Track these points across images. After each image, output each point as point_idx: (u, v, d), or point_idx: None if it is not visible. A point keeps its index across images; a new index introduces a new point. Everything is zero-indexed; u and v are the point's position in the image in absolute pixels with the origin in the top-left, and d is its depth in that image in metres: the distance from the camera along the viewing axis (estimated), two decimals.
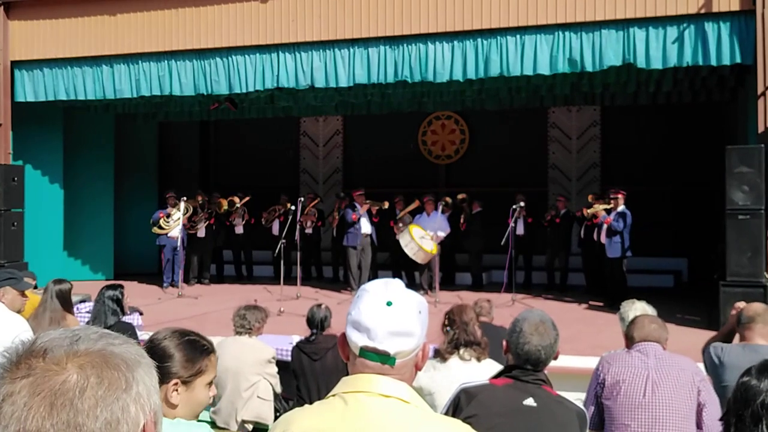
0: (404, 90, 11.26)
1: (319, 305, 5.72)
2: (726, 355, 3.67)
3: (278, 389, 5.61)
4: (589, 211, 10.95)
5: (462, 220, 12.11)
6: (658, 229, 12.88)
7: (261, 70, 10.29)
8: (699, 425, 3.33)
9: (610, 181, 13.33)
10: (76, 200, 13.19)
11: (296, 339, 6.17)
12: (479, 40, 9.35)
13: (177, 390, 2.04)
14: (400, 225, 11.36)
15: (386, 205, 11.96)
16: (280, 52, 10.20)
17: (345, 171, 15.92)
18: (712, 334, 4.33)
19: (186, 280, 12.42)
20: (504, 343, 2.72)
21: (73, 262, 13.26)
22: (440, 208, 11.08)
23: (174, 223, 12.00)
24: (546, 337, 2.61)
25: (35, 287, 6.38)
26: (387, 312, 1.55)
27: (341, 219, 12.25)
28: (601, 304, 10.07)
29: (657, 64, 8.70)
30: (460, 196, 12.26)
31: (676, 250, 13.11)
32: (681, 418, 3.31)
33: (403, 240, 10.68)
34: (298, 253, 11.21)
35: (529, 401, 2.52)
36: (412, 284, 10.91)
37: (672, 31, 8.63)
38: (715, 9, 8.42)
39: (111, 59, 11.02)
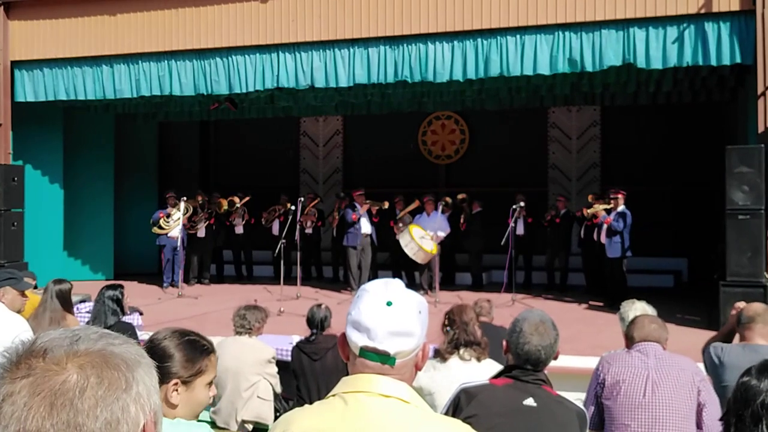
0: (404, 90, 11.26)
1: (319, 305, 5.72)
2: (726, 355, 3.67)
3: (278, 389, 5.61)
4: (589, 211, 10.95)
5: (462, 220, 12.11)
6: (658, 229, 12.88)
7: (261, 70, 10.29)
8: (699, 425, 3.33)
9: (610, 181, 13.34)
10: (76, 200, 13.19)
11: (296, 339, 6.17)
12: (479, 40, 9.35)
13: (177, 390, 2.04)
14: (400, 225, 11.36)
15: (386, 205, 11.96)
16: (280, 52, 10.20)
17: (345, 171, 15.93)
18: (712, 334, 4.33)
19: (186, 280, 12.42)
20: (504, 343, 2.72)
21: (73, 262, 13.27)
22: (440, 208, 11.08)
23: (174, 223, 12.00)
24: (546, 337, 2.61)
25: (35, 287, 6.39)
26: (387, 312, 1.55)
27: (341, 219, 12.26)
28: (601, 304, 10.07)
29: (657, 64, 8.70)
30: (460, 196, 12.26)
31: (676, 250, 13.11)
32: (681, 418, 3.31)
33: (403, 240, 10.69)
34: (298, 253, 11.21)
35: (529, 401, 2.52)
36: (412, 284, 10.91)
37: (672, 31, 8.63)
38: (715, 9, 8.42)
39: (111, 59, 11.02)
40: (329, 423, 1.52)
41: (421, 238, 10.56)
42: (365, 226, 11.74)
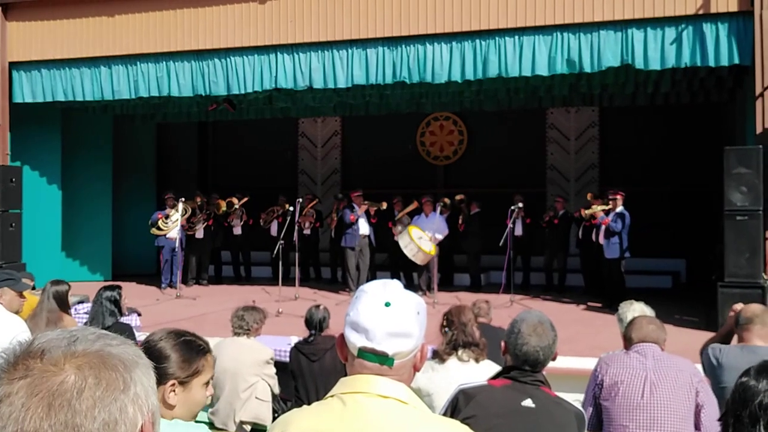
0: (402, 91, 11.26)
1: (318, 306, 5.73)
2: (724, 357, 3.67)
3: (276, 390, 5.61)
4: (587, 211, 10.96)
5: (460, 221, 12.11)
6: (656, 230, 12.89)
7: (259, 71, 10.29)
8: (697, 426, 3.33)
9: (608, 182, 13.35)
10: (74, 201, 13.19)
11: (294, 340, 6.17)
12: (478, 41, 9.36)
13: (174, 391, 2.04)
14: (399, 228, 11.36)
15: (384, 205, 11.96)
16: (278, 53, 10.20)
17: (343, 172, 15.93)
18: (710, 335, 4.33)
19: (184, 281, 12.41)
20: (502, 344, 2.72)
21: (71, 263, 13.26)
22: (438, 209, 11.09)
23: (172, 224, 11.99)
24: (544, 338, 2.61)
25: (33, 288, 6.38)
26: (385, 313, 1.55)
27: (339, 220, 12.26)
28: (599, 305, 10.07)
29: (655, 65, 8.71)
30: (458, 197, 12.26)
31: (674, 251, 13.12)
32: (679, 419, 3.31)
33: (403, 241, 10.68)
34: (297, 254, 11.22)
35: (528, 402, 2.52)
36: (410, 285, 10.91)
37: (670, 32, 8.64)
38: (713, 10, 8.43)
39: (109, 60, 11.01)
40: (327, 424, 1.52)
41: (419, 239, 10.56)
42: (363, 227, 11.74)
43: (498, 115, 13.98)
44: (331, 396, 1.58)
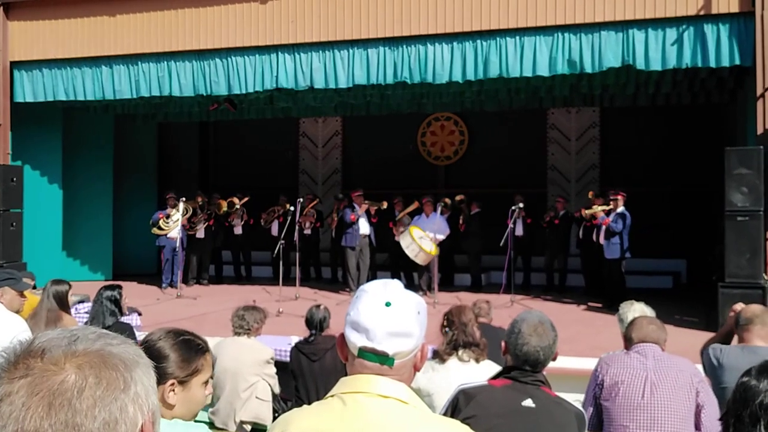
0: (403, 91, 11.26)
1: (318, 306, 5.73)
2: (725, 357, 3.67)
3: (277, 390, 5.61)
4: (587, 211, 10.96)
5: (461, 221, 12.11)
6: (657, 231, 12.88)
7: (260, 71, 10.29)
8: (697, 426, 3.33)
9: (609, 183, 13.34)
10: (75, 201, 13.19)
11: (295, 340, 6.17)
12: (478, 41, 9.36)
13: (174, 390, 2.04)
14: (401, 229, 11.36)
15: (385, 205, 11.95)
16: (279, 53, 10.20)
17: (344, 172, 15.93)
18: (710, 335, 4.32)
19: (185, 281, 12.42)
20: (503, 344, 2.72)
21: (71, 263, 13.26)
22: (439, 209, 11.09)
23: (173, 224, 11.99)
24: (545, 338, 2.61)
25: (34, 287, 6.38)
26: (386, 312, 1.55)
27: (340, 219, 12.27)
28: (599, 305, 10.07)
29: (656, 66, 8.71)
30: (458, 198, 12.25)
31: (674, 252, 13.12)
32: (679, 419, 3.31)
33: (404, 242, 10.67)
34: (297, 254, 11.22)
35: (528, 402, 2.52)
36: (410, 285, 10.91)
37: (671, 33, 8.63)
38: (714, 11, 8.42)
39: (110, 60, 11.02)
40: (328, 423, 1.52)
41: (420, 239, 10.56)
42: (363, 227, 11.74)
43: (499, 116, 13.98)
44: (332, 396, 1.58)
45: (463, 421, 2.12)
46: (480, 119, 14.61)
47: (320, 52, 10.02)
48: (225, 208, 13.13)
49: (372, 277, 11.31)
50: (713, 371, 3.71)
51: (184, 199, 11.97)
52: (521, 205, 11.22)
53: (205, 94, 10.96)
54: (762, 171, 7.90)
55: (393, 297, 1.58)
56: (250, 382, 5.39)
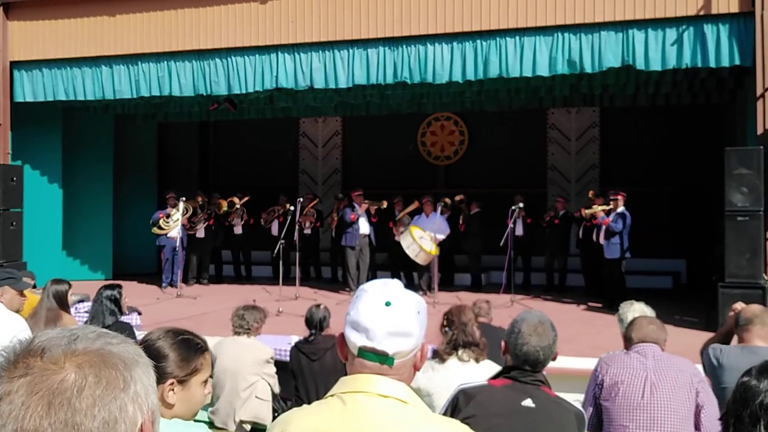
0: (403, 91, 11.26)
1: (318, 305, 5.73)
2: (725, 357, 3.67)
3: (276, 389, 5.61)
4: (587, 211, 10.96)
5: (461, 221, 12.11)
6: (656, 231, 12.88)
7: (260, 71, 10.29)
8: (697, 426, 3.33)
9: (609, 183, 13.34)
10: (74, 200, 13.19)
11: (295, 339, 6.17)
12: (478, 41, 9.36)
13: (173, 390, 2.04)
14: (401, 229, 11.35)
15: (384, 204, 11.95)
16: (279, 53, 10.20)
17: (344, 172, 15.93)
18: (710, 335, 4.32)
19: (185, 281, 12.42)
20: (502, 343, 2.72)
21: (71, 262, 13.26)
22: (439, 209, 11.09)
23: (174, 224, 12.00)
24: (544, 338, 2.61)
25: (34, 287, 6.38)
26: (386, 312, 1.55)
27: (340, 219, 12.27)
28: (599, 305, 10.07)
29: (656, 66, 8.71)
30: (457, 198, 12.24)
31: (674, 252, 13.12)
32: (679, 419, 3.31)
33: (405, 242, 10.67)
34: (297, 254, 11.22)
35: (528, 402, 2.52)
36: (410, 285, 10.91)
37: (671, 33, 8.63)
38: (714, 11, 8.42)
39: (110, 60, 11.02)
40: (327, 423, 1.52)
41: (420, 239, 10.56)
42: (363, 226, 11.74)
43: (499, 116, 13.98)
44: (331, 395, 1.58)
45: (462, 420, 2.12)
46: (480, 119, 14.61)
47: (320, 52, 10.02)
48: (225, 208, 13.13)
49: (372, 276, 11.31)
50: (713, 371, 3.71)
51: (184, 198, 11.98)
52: (521, 205, 11.22)
53: (205, 94, 10.96)
54: (762, 171, 7.90)
55: (393, 297, 1.58)
56: (249, 381, 5.39)
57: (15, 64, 11.57)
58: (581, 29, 8.92)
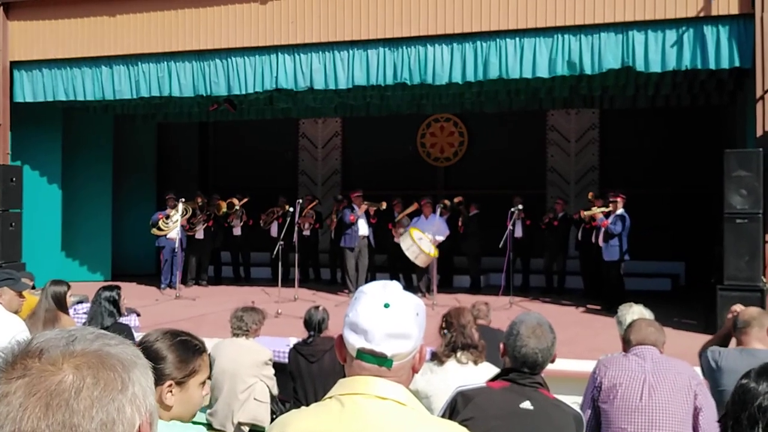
0: (403, 92, 11.27)
1: (317, 307, 5.73)
2: (723, 360, 3.67)
3: (275, 391, 5.61)
4: (586, 213, 10.96)
5: (460, 223, 12.11)
6: (656, 233, 12.89)
7: (260, 72, 10.29)
8: (695, 429, 3.33)
9: (608, 184, 13.35)
10: (74, 201, 13.19)
11: (293, 341, 6.17)
12: (478, 42, 9.36)
13: (171, 391, 2.04)
14: (400, 230, 11.35)
15: (384, 205, 11.95)
16: (279, 54, 10.20)
17: (344, 173, 15.93)
18: (708, 337, 4.33)
19: (184, 282, 12.41)
20: (501, 346, 2.72)
21: (70, 263, 13.25)
22: (438, 210, 11.08)
23: (173, 225, 11.99)
24: (543, 340, 2.61)
25: (33, 288, 6.37)
26: (384, 314, 1.55)
27: (339, 220, 12.27)
28: (598, 307, 10.07)
29: (656, 68, 8.71)
30: (456, 200, 12.23)
31: (673, 254, 13.12)
32: (677, 421, 3.31)
33: (405, 244, 10.65)
34: (296, 255, 11.21)
35: (526, 404, 2.52)
36: (409, 287, 10.90)
37: (671, 35, 8.64)
38: (714, 13, 8.43)
39: (110, 60, 11.01)
40: (326, 425, 1.52)
41: (419, 240, 10.56)
42: (363, 228, 11.74)
43: (498, 117, 13.98)
44: (330, 397, 1.58)
45: (461, 422, 2.12)
46: (479, 120, 14.61)
47: (320, 52, 10.02)
48: (224, 209, 13.13)
49: (371, 278, 11.31)
50: (711, 374, 3.72)
51: (183, 199, 11.97)
52: (520, 206, 11.22)
53: (204, 95, 10.96)
54: (761, 173, 7.90)
55: (392, 298, 1.58)
56: (248, 383, 5.39)
57: (15, 64, 11.57)
58: (581, 31, 8.93)
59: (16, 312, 4.54)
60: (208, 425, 5.40)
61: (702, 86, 10.77)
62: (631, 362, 3.47)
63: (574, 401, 2.90)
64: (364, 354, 1.56)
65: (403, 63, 9.63)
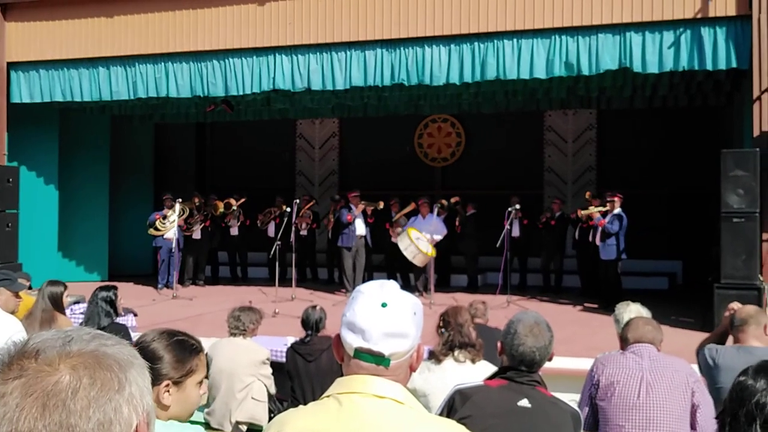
0: (401, 93, 11.27)
1: (314, 307, 5.73)
2: (720, 357, 3.68)
3: (272, 390, 5.61)
4: (583, 212, 10.98)
5: (457, 223, 12.12)
6: (653, 232, 12.91)
7: (258, 73, 10.28)
8: (693, 426, 3.34)
9: (605, 185, 13.36)
10: (71, 201, 13.16)
11: (291, 340, 6.17)
12: (476, 43, 9.36)
13: (168, 391, 2.04)
14: (398, 230, 11.35)
15: (381, 205, 11.96)
16: (276, 55, 10.20)
17: (341, 173, 15.93)
18: (705, 335, 4.33)
19: (181, 282, 12.40)
20: (499, 344, 2.73)
21: (67, 263, 13.23)
22: (436, 210, 11.09)
23: (170, 225, 11.98)
24: (540, 339, 2.62)
25: (29, 288, 6.37)
26: (382, 313, 1.56)
27: (336, 220, 12.27)
28: (595, 306, 10.08)
29: (653, 69, 8.72)
30: (453, 200, 12.24)
31: (671, 253, 13.14)
32: (675, 419, 3.31)
33: (402, 243, 10.66)
34: (293, 255, 11.21)
35: (524, 402, 2.52)
36: (407, 286, 10.89)
37: (668, 36, 8.65)
38: (711, 14, 8.44)
39: (108, 61, 11.00)
40: (323, 424, 1.52)
41: (417, 240, 10.56)
42: (360, 228, 11.74)
43: (496, 118, 13.99)
44: (327, 396, 1.58)
45: (458, 421, 2.12)
46: (477, 121, 14.62)
47: (317, 53, 10.02)
48: (221, 209, 13.12)
49: (368, 277, 11.31)
50: (709, 371, 3.72)
51: (180, 200, 11.96)
52: (518, 206, 11.23)
53: (202, 96, 10.95)
54: (758, 173, 7.92)
55: (389, 298, 1.58)
56: (245, 382, 5.39)
57: (12, 65, 11.55)
58: (578, 32, 8.93)
59: (12, 312, 4.54)
60: (206, 424, 5.39)
61: (699, 87, 10.78)
62: (629, 360, 3.47)
63: (571, 399, 2.90)
64: (361, 353, 1.56)
65: (401, 64, 9.63)
